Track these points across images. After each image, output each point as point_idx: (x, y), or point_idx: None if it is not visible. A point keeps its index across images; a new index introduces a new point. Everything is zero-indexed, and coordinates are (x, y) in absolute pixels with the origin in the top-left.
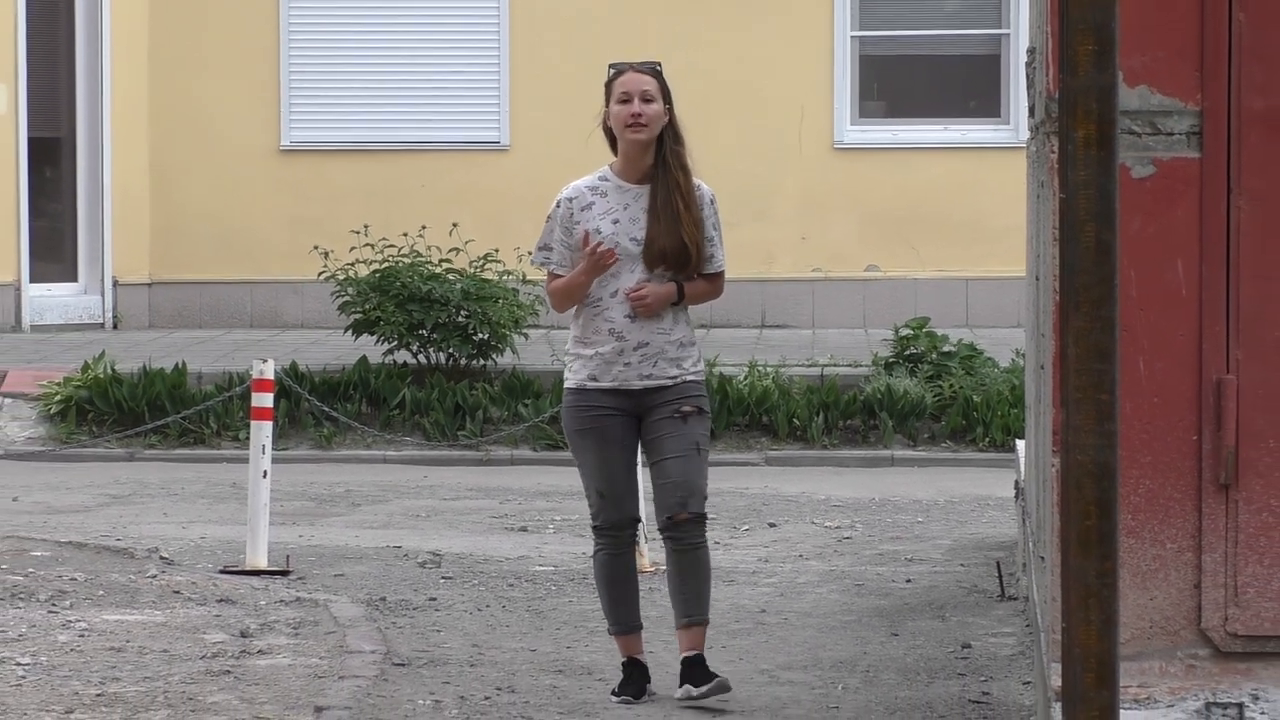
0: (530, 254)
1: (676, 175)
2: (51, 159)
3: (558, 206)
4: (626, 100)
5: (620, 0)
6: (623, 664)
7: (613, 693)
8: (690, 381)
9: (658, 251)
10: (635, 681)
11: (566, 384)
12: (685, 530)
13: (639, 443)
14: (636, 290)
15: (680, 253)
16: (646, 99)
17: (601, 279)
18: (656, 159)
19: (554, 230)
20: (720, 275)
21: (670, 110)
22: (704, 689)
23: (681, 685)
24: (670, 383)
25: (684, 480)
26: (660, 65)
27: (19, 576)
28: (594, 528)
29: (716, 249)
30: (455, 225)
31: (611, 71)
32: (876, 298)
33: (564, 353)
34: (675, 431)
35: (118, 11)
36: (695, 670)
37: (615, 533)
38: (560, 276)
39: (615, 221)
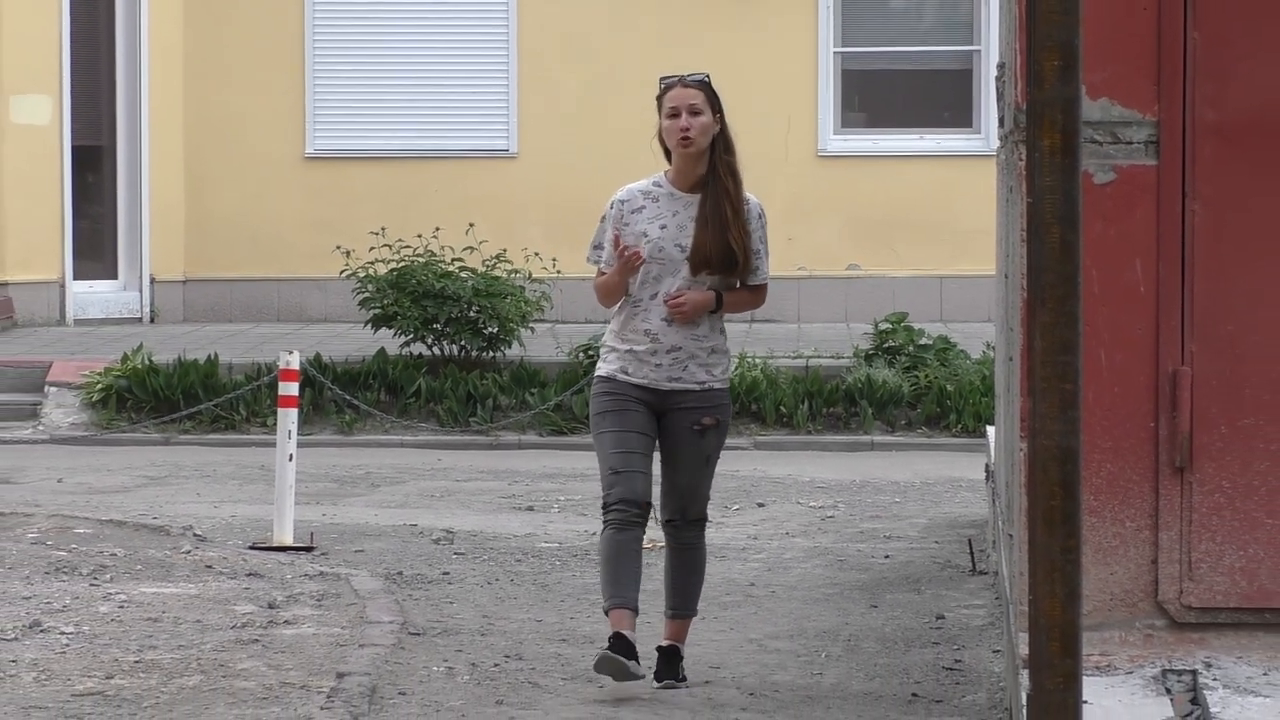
0: (539, 255)
1: (726, 183)
2: (93, 165)
3: (610, 208)
4: (675, 115)
5: (619, 22)
6: (610, 637)
7: (593, 667)
8: (715, 390)
9: (704, 256)
10: (617, 656)
11: (598, 372)
12: (684, 530)
13: (657, 438)
14: (675, 297)
15: (727, 257)
16: (694, 112)
17: (644, 281)
18: (709, 168)
19: (606, 230)
20: (764, 287)
21: (721, 119)
22: (660, 684)
23: (656, 678)
24: (697, 388)
25: (689, 491)
26: (708, 76)
27: (63, 552)
28: (604, 507)
29: (762, 261)
30: (471, 225)
31: (661, 86)
32: (857, 294)
33: (600, 344)
34: (691, 445)
35: (155, 28)
36: (666, 662)
37: (624, 509)
38: (606, 275)
39: (663, 227)
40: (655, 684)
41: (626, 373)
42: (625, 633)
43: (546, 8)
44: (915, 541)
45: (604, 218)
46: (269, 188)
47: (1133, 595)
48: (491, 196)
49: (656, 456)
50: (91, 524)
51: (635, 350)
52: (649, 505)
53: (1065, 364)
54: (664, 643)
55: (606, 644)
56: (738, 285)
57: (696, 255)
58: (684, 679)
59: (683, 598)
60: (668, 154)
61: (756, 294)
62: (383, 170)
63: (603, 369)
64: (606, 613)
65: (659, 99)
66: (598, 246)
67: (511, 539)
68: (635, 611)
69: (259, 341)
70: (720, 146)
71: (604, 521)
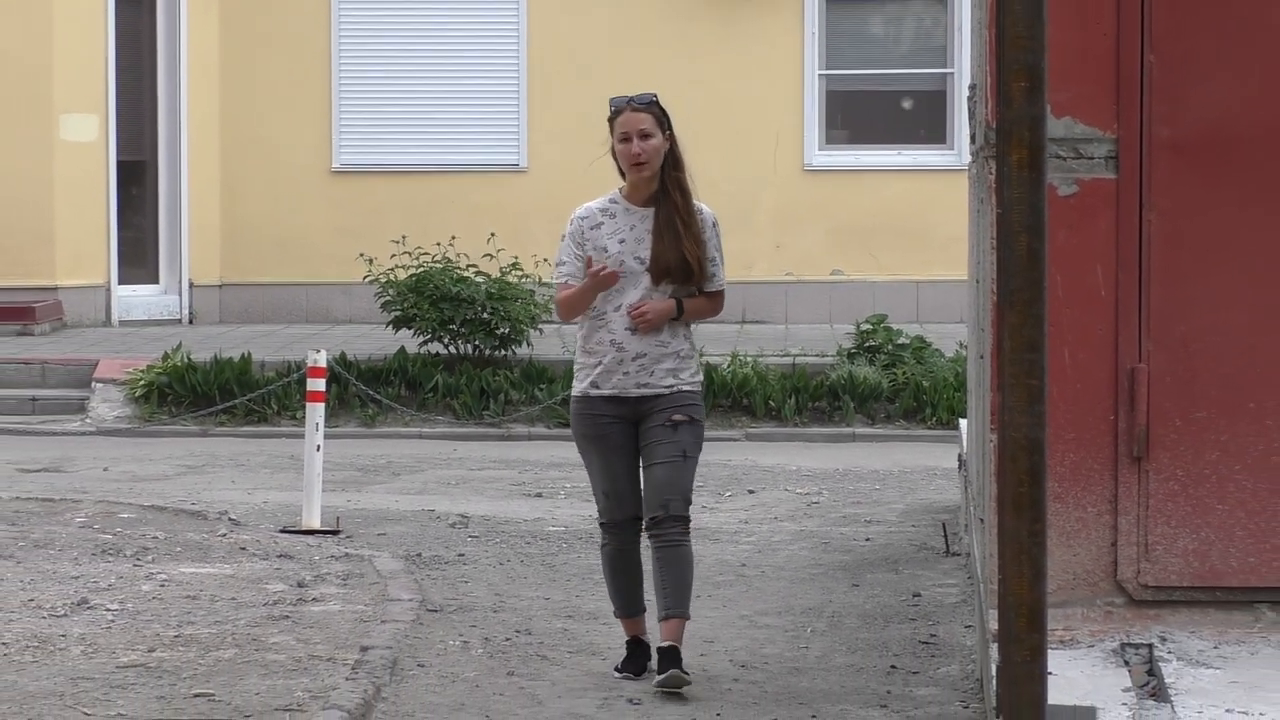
0: (547, 260)
1: (675, 197)
2: (137, 179)
3: (571, 225)
4: (626, 140)
5: (621, 46)
6: (627, 642)
7: (615, 669)
8: (685, 391)
9: (664, 266)
10: (637, 659)
11: (573, 391)
12: (665, 529)
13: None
14: (637, 307)
15: (683, 267)
16: (644, 136)
17: (607, 294)
18: (660, 184)
19: (569, 247)
20: (720, 294)
21: (670, 137)
22: (662, 677)
23: (659, 672)
24: (666, 391)
25: (666, 485)
26: (655, 96)
27: (109, 535)
28: (601, 524)
29: (718, 268)
30: (493, 235)
31: (611, 109)
32: (840, 298)
33: (574, 362)
34: (665, 439)
35: (193, 52)
36: (668, 661)
37: (620, 530)
38: (571, 289)
39: (622, 241)
40: (663, 690)
41: (597, 386)
42: (642, 637)
43: (554, 34)
44: (894, 525)
45: (564, 236)
46: (298, 199)
47: (1094, 575)
48: (503, 207)
49: None
50: (135, 509)
51: (603, 362)
52: (640, 517)
53: (1032, 362)
54: (664, 644)
55: (625, 649)
56: (696, 293)
57: (656, 265)
58: (687, 675)
59: (674, 598)
60: (621, 171)
61: (714, 300)
62: (403, 183)
63: (576, 388)
64: (618, 617)
65: (610, 121)
66: (561, 264)
67: (521, 523)
68: (644, 610)
69: (289, 341)
70: (670, 163)
71: (602, 539)
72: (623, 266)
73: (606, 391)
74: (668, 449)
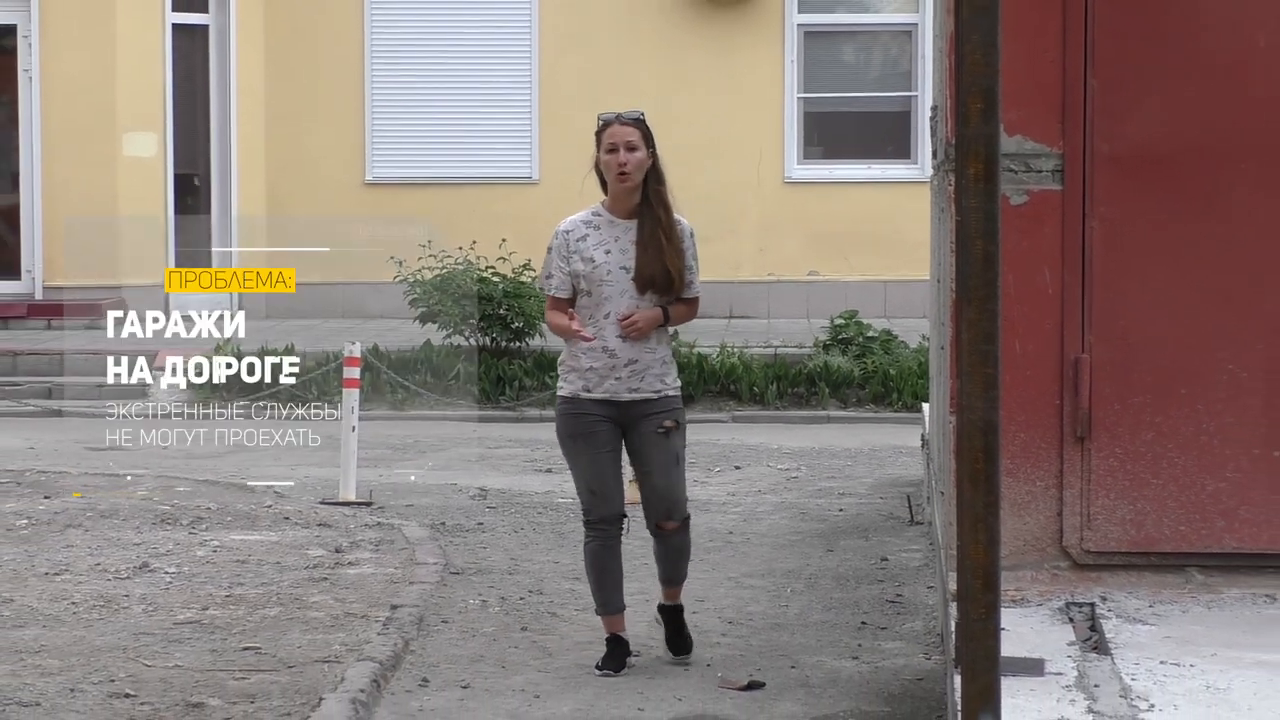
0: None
1: (658, 212)
2: (191, 190)
3: (555, 239)
4: (613, 150)
5: (623, 73)
6: (607, 640)
7: (596, 666)
8: (671, 396)
9: (648, 277)
10: (617, 656)
11: (560, 393)
12: (672, 536)
13: (623, 447)
14: (628, 317)
15: (665, 277)
16: (631, 148)
17: (597, 302)
18: (642, 197)
19: (554, 260)
20: (696, 300)
21: (653, 154)
22: (677, 658)
23: (659, 618)
24: (655, 396)
25: (668, 492)
26: (643, 114)
27: (167, 506)
28: (585, 522)
29: (695, 276)
30: (504, 240)
31: (600, 122)
32: (817, 296)
33: (559, 364)
34: (659, 447)
35: (242, 77)
36: (675, 630)
37: (605, 526)
38: (559, 299)
39: (607, 252)
40: (674, 657)
41: (588, 390)
42: (620, 634)
43: (563, 59)
44: (864, 497)
45: (550, 249)
46: (335, 208)
47: (1042, 541)
48: (518, 215)
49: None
50: (190, 483)
51: (594, 368)
52: (624, 515)
53: (987, 352)
54: (666, 602)
55: (606, 646)
56: (674, 301)
57: (641, 275)
58: (690, 641)
59: (673, 573)
60: (603, 184)
61: (692, 306)
62: (429, 194)
63: (565, 389)
64: (599, 614)
65: (598, 134)
66: (548, 276)
67: (534, 495)
68: (623, 609)
69: (327, 334)
70: (652, 178)
71: (587, 536)
72: (610, 275)
73: (598, 395)
74: (662, 455)
